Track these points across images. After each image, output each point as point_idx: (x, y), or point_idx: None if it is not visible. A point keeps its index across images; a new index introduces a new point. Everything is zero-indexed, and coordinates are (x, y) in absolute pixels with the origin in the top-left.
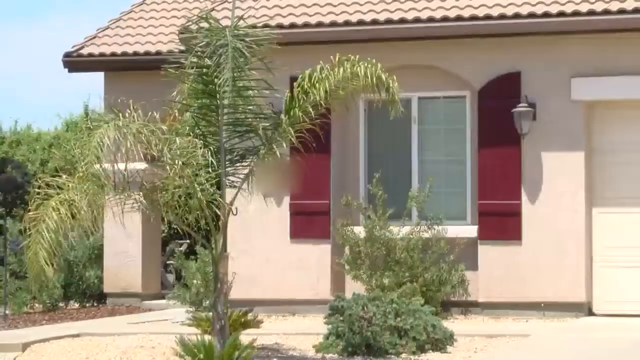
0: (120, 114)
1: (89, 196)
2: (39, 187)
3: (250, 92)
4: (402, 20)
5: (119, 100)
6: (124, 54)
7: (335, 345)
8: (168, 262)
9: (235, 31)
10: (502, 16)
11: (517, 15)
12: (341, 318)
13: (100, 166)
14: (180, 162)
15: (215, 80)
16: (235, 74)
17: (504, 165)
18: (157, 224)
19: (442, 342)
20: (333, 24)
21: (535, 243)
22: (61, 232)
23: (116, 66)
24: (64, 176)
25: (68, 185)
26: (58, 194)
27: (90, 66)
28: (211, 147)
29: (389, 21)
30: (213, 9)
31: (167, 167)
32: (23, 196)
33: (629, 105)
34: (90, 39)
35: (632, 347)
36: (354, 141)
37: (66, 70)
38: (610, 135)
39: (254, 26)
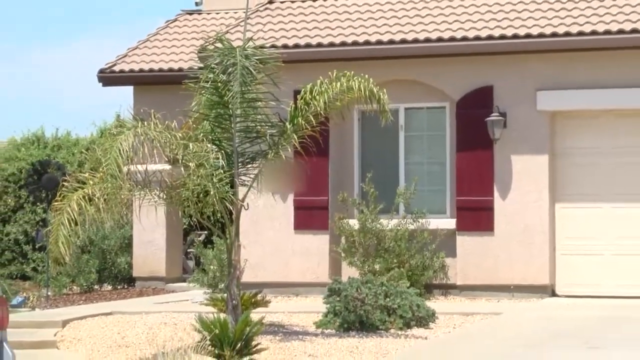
0: (140, 123)
1: (107, 193)
2: (67, 182)
3: (259, 103)
4: (391, 42)
5: (142, 110)
6: (151, 70)
7: (333, 322)
8: (188, 250)
9: (244, 51)
10: (477, 38)
11: (490, 37)
12: (338, 298)
13: (118, 168)
14: (194, 164)
15: (228, 93)
16: (243, 88)
17: (479, 166)
18: (179, 218)
19: (426, 319)
20: (331, 44)
21: (505, 234)
22: (79, 224)
23: (144, 81)
24: (87, 173)
25: (90, 182)
26: (82, 188)
27: (121, 81)
28: (226, 151)
29: (379, 42)
30: (227, 32)
31: (182, 169)
32: None
33: (586, 115)
34: (122, 58)
35: (588, 322)
36: (349, 145)
37: (100, 84)
38: (570, 140)
39: (262, 46)
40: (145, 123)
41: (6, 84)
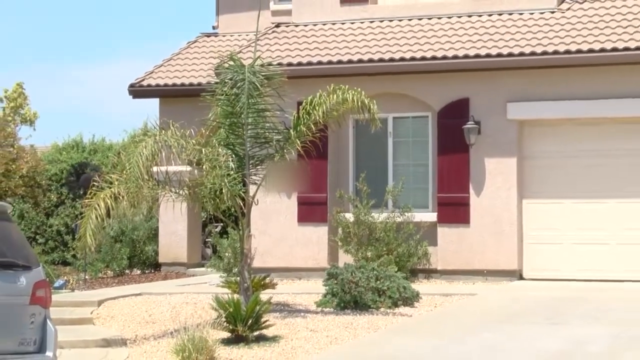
0: (159, 131)
1: (130, 192)
2: (97, 182)
3: (267, 113)
4: (381, 60)
5: (161, 120)
6: (174, 85)
7: (331, 301)
8: (207, 239)
9: (252, 69)
10: (455, 57)
11: (466, 56)
12: (335, 281)
13: (139, 169)
14: (207, 166)
15: (237, 104)
16: (250, 100)
17: (457, 167)
18: (198, 211)
19: (411, 299)
20: (329, 62)
21: (480, 226)
22: (110, 217)
23: (168, 94)
24: (114, 175)
25: (116, 182)
26: (109, 187)
27: (148, 94)
28: (239, 154)
29: (371, 60)
30: (240, 51)
31: (196, 172)
32: None
33: (549, 124)
34: (149, 74)
35: (550, 302)
36: (345, 149)
37: (131, 97)
38: (536, 145)
39: (269, 64)
40: (163, 131)
41: (50, 97)
